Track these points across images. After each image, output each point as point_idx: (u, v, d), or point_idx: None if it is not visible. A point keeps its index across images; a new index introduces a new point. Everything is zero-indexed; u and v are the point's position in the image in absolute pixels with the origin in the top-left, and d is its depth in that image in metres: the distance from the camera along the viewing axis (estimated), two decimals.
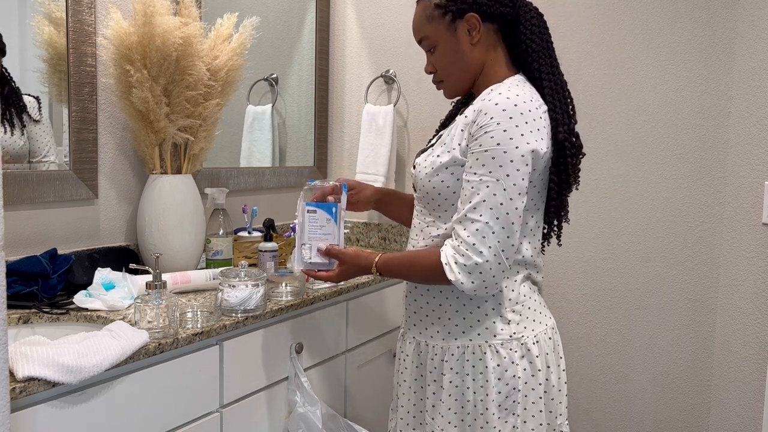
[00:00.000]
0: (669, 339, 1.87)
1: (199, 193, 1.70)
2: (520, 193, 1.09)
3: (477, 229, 1.08)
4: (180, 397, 1.22)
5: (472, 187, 1.10)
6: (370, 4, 2.27)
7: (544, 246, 1.29)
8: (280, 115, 2.24)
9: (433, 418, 1.23)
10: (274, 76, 2.20)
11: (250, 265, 1.46)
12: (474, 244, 1.08)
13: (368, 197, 1.44)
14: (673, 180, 1.84)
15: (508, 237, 1.09)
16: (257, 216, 1.87)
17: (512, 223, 1.09)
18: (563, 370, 1.27)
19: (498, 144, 1.08)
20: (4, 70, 1.45)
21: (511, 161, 1.08)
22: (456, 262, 1.10)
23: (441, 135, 1.27)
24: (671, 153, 1.83)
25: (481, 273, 1.09)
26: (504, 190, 1.08)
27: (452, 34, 1.19)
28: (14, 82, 1.46)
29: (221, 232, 1.71)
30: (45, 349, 0.99)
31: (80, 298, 1.33)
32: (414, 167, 1.26)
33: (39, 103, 1.51)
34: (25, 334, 1.21)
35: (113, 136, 1.66)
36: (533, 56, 1.19)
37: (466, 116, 1.16)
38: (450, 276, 1.10)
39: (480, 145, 1.10)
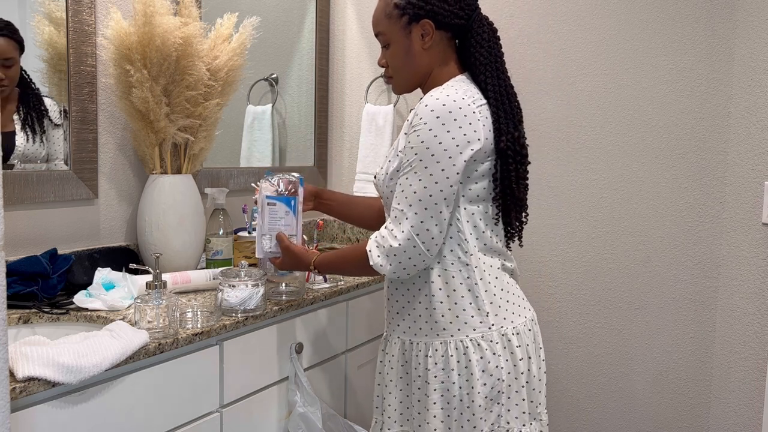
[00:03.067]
0: (669, 339, 1.87)
1: (199, 193, 1.70)
2: (437, 183, 1.15)
3: (395, 216, 1.18)
4: (180, 397, 1.22)
5: (398, 181, 1.20)
6: (370, 4, 2.27)
7: (509, 243, 1.32)
8: (280, 115, 2.24)
9: (419, 413, 1.25)
10: (274, 76, 2.20)
11: (250, 265, 1.46)
12: (392, 230, 1.18)
13: (306, 197, 1.51)
14: (673, 180, 1.84)
15: (421, 222, 1.16)
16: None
17: (425, 209, 1.15)
18: (543, 360, 1.32)
19: (422, 142, 1.15)
20: (24, 72, 1.44)
21: (432, 156, 1.15)
22: (377, 246, 1.19)
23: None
24: (671, 153, 1.83)
25: (395, 255, 1.17)
26: (419, 180, 1.15)
27: (406, 36, 1.25)
28: (34, 84, 1.46)
29: (221, 232, 1.71)
30: (45, 349, 0.99)
31: (80, 298, 1.33)
32: (375, 177, 1.33)
33: (60, 106, 1.51)
34: (25, 334, 1.22)
35: (113, 136, 1.66)
36: (480, 68, 1.24)
37: (408, 120, 1.22)
38: (371, 261, 1.19)
39: (409, 142, 1.18)
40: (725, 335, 1.80)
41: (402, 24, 1.24)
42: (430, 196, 1.15)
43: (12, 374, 0.95)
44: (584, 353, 1.98)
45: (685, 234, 1.83)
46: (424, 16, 1.22)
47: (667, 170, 1.84)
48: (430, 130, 1.14)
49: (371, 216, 1.52)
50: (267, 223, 1.38)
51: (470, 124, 1.16)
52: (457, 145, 1.15)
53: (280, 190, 1.39)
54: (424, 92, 1.29)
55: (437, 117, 1.14)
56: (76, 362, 0.98)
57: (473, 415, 1.19)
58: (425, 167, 1.15)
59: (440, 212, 1.16)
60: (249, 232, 1.81)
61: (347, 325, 1.72)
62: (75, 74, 1.54)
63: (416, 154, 1.16)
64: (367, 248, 1.20)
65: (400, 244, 1.16)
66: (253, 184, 1.48)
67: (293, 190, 1.40)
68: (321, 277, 1.64)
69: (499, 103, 1.22)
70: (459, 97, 1.17)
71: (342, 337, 1.71)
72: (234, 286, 1.35)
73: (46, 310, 1.30)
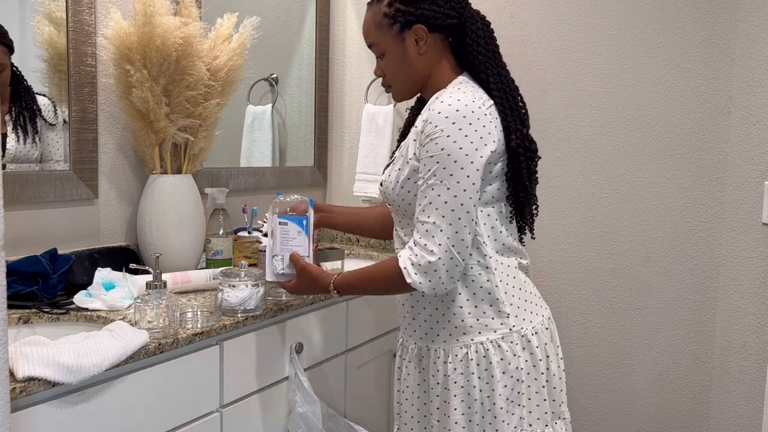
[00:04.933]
0: (669, 339, 1.87)
1: (199, 193, 1.70)
2: (465, 190, 1.12)
3: (426, 230, 1.13)
4: (180, 397, 1.22)
5: (422, 191, 1.15)
6: None
7: (522, 238, 1.32)
8: (280, 115, 2.24)
9: (438, 420, 1.23)
10: (274, 76, 2.20)
11: (250, 265, 1.46)
12: (425, 245, 1.12)
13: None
14: (673, 180, 1.84)
15: (456, 233, 1.12)
16: (257, 216, 1.87)
17: (459, 219, 1.12)
18: (561, 359, 1.31)
19: (442, 149, 1.12)
20: (15, 69, 1.44)
21: (455, 162, 1.12)
22: (412, 264, 1.13)
23: (401, 147, 1.30)
24: (671, 153, 1.83)
25: (435, 271, 1.12)
26: (448, 189, 1.12)
27: (400, 44, 1.22)
28: (27, 81, 1.45)
29: (221, 232, 1.71)
30: (45, 349, 0.99)
31: (80, 298, 1.33)
32: (381, 184, 1.29)
33: (54, 105, 1.51)
34: (25, 334, 1.21)
35: (113, 136, 1.66)
36: (480, 67, 1.22)
37: (416, 126, 1.20)
38: (408, 279, 1.13)
39: (427, 152, 1.14)
40: (725, 335, 1.80)
41: (394, 32, 1.22)
42: (462, 204, 1.12)
43: (12, 374, 0.95)
44: (584, 353, 1.98)
45: (685, 234, 1.83)
46: (416, 21, 1.20)
47: (667, 170, 1.84)
48: (448, 136, 1.12)
49: (379, 223, 1.50)
50: (279, 243, 1.31)
51: (484, 126, 1.14)
52: (476, 149, 1.13)
53: (289, 207, 1.34)
54: (426, 95, 1.28)
55: (453, 123, 1.12)
56: (77, 362, 0.98)
57: (495, 417, 1.18)
58: (450, 174, 1.12)
59: (472, 219, 1.14)
60: (249, 232, 1.81)
61: (347, 325, 1.72)
62: (75, 74, 1.54)
63: (437, 162, 1.12)
64: (401, 266, 1.14)
65: (439, 258, 1.11)
66: (260, 221, 1.46)
67: (304, 210, 1.35)
68: None
69: (504, 101, 1.21)
70: (469, 100, 1.15)
71: (342, 337, 1.71)
72: (234, 286, 1.35)
73: (46, 310, 1.30)
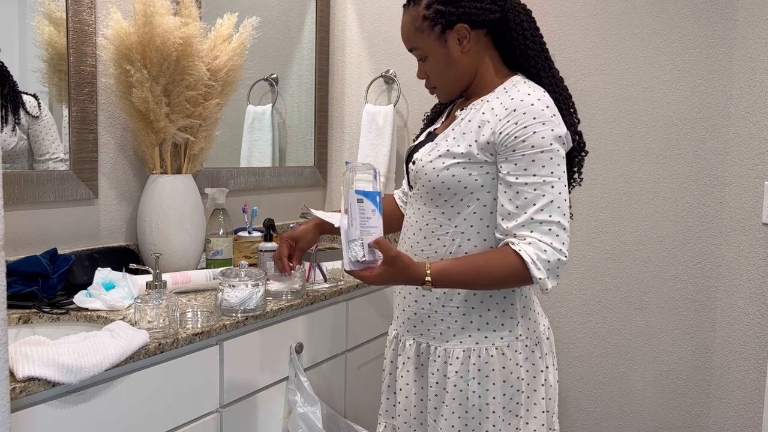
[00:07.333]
0: (669, 339, 1.87)
1: (199, 193, 1.70)
2: (566, 185, 1.12)
3: (550, 229, 1.09)
4: (180, 397, 1.22)
5: (535, 189, 1.09)
6: (370, 4, 2.27)
7: None
8: (280, 115, 2.24)
9: (435, 420, 1.22)
10: (274, 76, 2.20)
11: (250, 265, 1.46)
12: (551, 243, 1.08)
13: (312, 239, 1.40)
14: (673, 180, 1.84)
15: (569, 233, 1.12)
16: (257, 216, 1.87)
17: (569, 218, 1.12)
18: (556, 369, 1.29)
19: (551, 144, 1.10)
20: (1, 64, 1.44)
21: (563, 157, 1.12)
22: (539, 259, 1.07)
23: (433, 131, 1.27)
24: (671, 153, 1.83)
25: (558, 268, 1.09)
26: (564, 186, 1.11)
27: (443, 45, 1.18)
28: (12, 76, 1.45)
29: (221, 232, 1.71)
30: (45, 349, 0.99)
31: (80, 298, 1.33)
32: (413, 162, 1.23)
33: (38, 100, 1.50)
34: (25, 334, 1.21)
35: (113, 136, 1.66)
36: (530, 61, 1.20)
37: (483, 113, 1.15)
38: (538, 274, 1.07)
39: (532, 147, 1.09)
40: (725, 335, 1.80)
41: (436, 35, 1.18)
42: (566, 200, 1.11)
43: (12, 374, 0.95)
44: (584, 353, 1.98)
45: (685, 234, 1.83)
46: (457, 21, 1.16)
47: (667, 170, 1.84)
48: (552, 130, 1.10)
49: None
50: (359, 225, 1.10)
51: (561, 120, 1.15)
52: (564, 143, 1.13)
53: (374, 182, 1.15)
54: (470, 92, 1.24)
55: (552, 116, 1.11)
56: (76, 362, 0.99)
57: (494, 426, 1.17)
58: (563, 171, 1.11)
59: None
60: (249, 232, 1.81)
61: (347, 325, 1.72)
62: (75, 74, 1.54)
63: (551, 158, 1.09)
64: (527, 259, 1.07)
65: (566, 257, 1.09)
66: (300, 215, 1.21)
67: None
68: (321, 277, 1.64)
69: (558, 95, 1.19)
70: (546, 96, 1.14)
71: (342, 337, 1.71)
72: (234, 286, 1.35)
73: (46, 310, 1.30)
